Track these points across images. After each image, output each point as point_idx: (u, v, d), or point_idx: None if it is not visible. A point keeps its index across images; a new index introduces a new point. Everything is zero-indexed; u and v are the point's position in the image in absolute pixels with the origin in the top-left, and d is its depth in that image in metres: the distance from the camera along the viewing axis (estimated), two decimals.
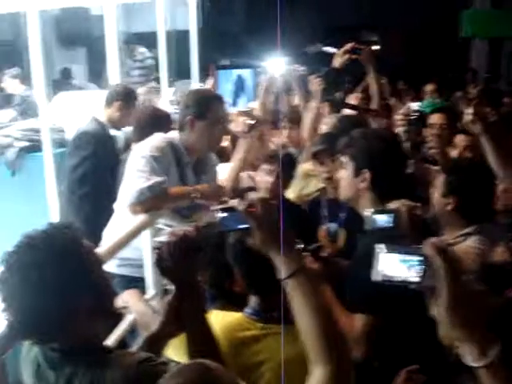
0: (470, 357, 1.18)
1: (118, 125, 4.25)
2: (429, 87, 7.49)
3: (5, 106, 7.42)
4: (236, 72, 8.72)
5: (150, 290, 2.86)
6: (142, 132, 3.45)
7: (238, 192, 3.20)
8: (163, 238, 1.74)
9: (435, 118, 4.24)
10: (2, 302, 1.50)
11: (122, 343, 2.44)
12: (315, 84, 4.08)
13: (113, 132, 4.40)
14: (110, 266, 3.08)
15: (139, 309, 2.39)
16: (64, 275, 1.49)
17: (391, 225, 2.06)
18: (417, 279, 1.19)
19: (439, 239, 1.36)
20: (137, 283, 2.84)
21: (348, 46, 4.13)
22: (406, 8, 12.13)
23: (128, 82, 7.87)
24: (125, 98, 4.16)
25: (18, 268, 1.48)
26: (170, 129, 3.39)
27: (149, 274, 2.88)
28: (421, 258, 1.18)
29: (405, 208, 2.10)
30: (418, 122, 4.15)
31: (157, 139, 3.09)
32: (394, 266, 1.20)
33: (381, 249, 1.21)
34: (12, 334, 1.59)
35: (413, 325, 1.99)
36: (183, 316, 1.73)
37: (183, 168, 3.13)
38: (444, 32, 12.42)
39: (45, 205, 3.96)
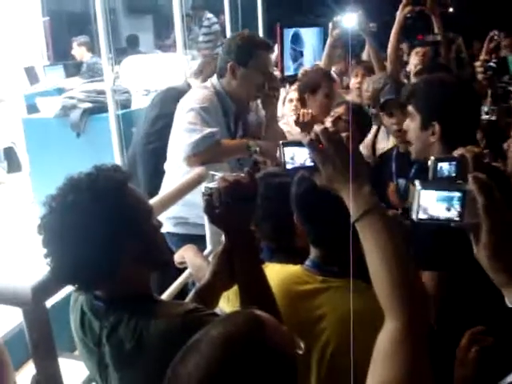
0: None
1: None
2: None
3: (75, 74, 7.60)
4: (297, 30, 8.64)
5: (209, 247, 2.80)
6: None
7: None
8: (213, 184, 1.63)
9: None
10: (43, 246, 1.44)
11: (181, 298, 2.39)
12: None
13: None
14: (167, 226, 3.06)
15: (195, 263, 2.32)
16: (106, 218, 1.41)
17: (453, 174, 1.88)
18: (457, 217, 1.13)
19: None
20: (195, 241, 2.77)
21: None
22: None
23: (195, 48, 7.94)
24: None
25: (59, 210, 1.41)
26: None
27: (207, 231, 2.82)
28: (460, 195, 1.12)
29: (470, 154, 1.90)
30: (502, 70, 3.89)
31: (202, 90, 2.98)
32: (433, 203, 1.15)
33: (419, 185, 1.16)
34: (54, 280, 1.53)
35: (480, 282, 1.84)
36: (235, 267, 1.63)
37: (229, 117, 3.02)
38: None
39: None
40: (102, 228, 1.39)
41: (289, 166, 1.33)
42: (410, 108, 2.21)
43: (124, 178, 1.51)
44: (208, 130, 2.76)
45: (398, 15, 3.95)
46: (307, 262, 1.79)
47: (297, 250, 1.89)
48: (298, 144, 1.30)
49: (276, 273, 1.77)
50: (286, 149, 1.31)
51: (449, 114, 2.10)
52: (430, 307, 1.66)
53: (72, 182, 1.45)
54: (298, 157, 1.31)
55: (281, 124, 3.68)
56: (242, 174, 1.63)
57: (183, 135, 2.82)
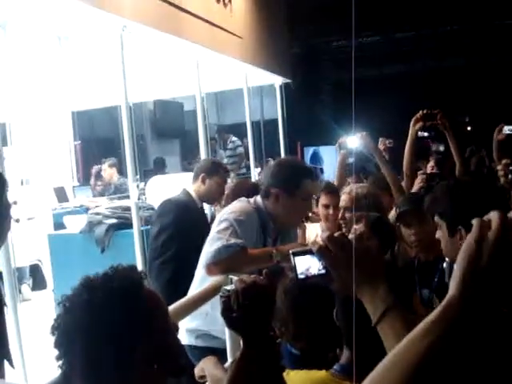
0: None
1: (206, 198, 4.26)
2: None
3: (104, 194, 7.85)
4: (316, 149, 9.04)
5: (229, 360, 2.75)
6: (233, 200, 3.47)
7: None
8: (231, 286, 1.63)
9: None
10: (55, 347, 1.40)
11: None
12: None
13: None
14: (189, 338, 3.04)
15: (215, 374, 2.27)
16: (120, 318, 1.37)
17: None
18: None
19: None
20: (216, 354, 2.72)
21: (419, 113, 4.09)
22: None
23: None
24: (208, 170, 4.21)
25: (73, 309, 1.39)
26: None
27: (228, 342, 2.79)
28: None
29: None
30: None
31: (243, 203, 3.05)
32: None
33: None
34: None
35: None
36: (253, 374, 1.55)
37: (266, 236, 3.06)
38: None
39: None
40: (115, 328, 1.36)
41: (301, 276, 1.30)
42: (436, 218, 2.23)
43: (140, 277, 1.52)
44: (233, 241, 2.75)
45: (410, 131, 4.06)
46: (335, 367, 1.73)
47: (325, 356, 1.85)
48: (309, 252, 1.29)
49: (300, 380, 1.72)
50: (296, 258, 1.30)
51: (471, 215, 2.09)
52: None
53: (87, 280, 1.44)
54: (310, 265, 1.30)
55: None
56: (261, 277, 1.63)
57: (208, 244, 2.84)
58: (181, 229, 3.94)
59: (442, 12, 11.94)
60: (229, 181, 5.62)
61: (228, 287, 1.62)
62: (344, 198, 3.79)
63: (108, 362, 1.35)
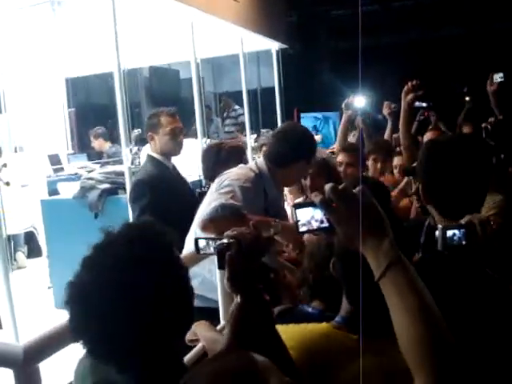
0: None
1: (167, 152, 4.00)
2: None
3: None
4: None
5: (222, 322, 2.74)
6: (217, 165, 3.42)
7: None
8: (225, 239, 1.60)
9: None
10: (75, 313, 1.33)
11: None
12: None
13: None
14: None
15: (209, 336, 2.26)
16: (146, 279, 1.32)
17: (463, 242, 1.84)
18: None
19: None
20: (208, 314, 2.70)
21: (408, 84, 4.00)
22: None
23: (222, 137, 8.19)
24: (151, 127, 4.02)
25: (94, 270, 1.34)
26: (243, 162, 3.34)
27: (220, 304, 2.77)
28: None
29: (477, 221, 1.87)
30: None
31: (246, 170, 3.02)
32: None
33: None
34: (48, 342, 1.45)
35: None
36: (249, 328, 1.55)
37: (268, 201, 3.05)
38: None
39: None
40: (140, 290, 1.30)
41: (303, 229, 1.27)
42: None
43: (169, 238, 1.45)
44: (231, 202, 2.74)
45: (402, 103, 3.97)
46: (337, 319, 1.69)
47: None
48: (311, 205, 1.25)
49: (299, 332, 1.68)
50: (298, 211, 1.27)
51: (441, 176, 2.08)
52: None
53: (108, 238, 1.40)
54: (312, 218, 1.26)
55: None
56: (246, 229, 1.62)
57: (207, 203, 2.84)
58: (161, 208, 3.71)
59: None
60: None
61: (224, 240, 1.60)
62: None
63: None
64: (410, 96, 3.80)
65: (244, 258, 1.54)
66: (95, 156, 8.14)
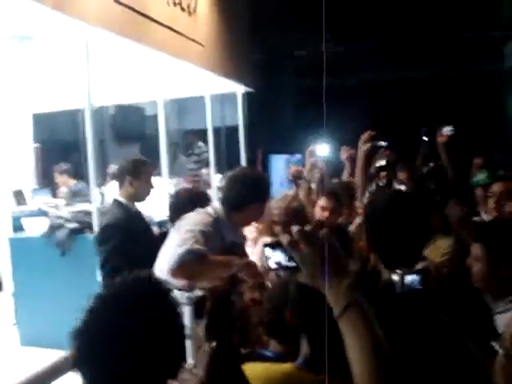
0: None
1: (138, 198, 4.17)
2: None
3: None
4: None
5: (190, 360, 2.82)
6: (181, 210, 3.54)
7: None
8: (194, 294, 1.74)
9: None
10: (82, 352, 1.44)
11: None
12: None
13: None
14: None
15: (180, 376, 2.35)
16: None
17: (419, 286, 1.99)
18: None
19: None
20: None
21: (366, 134, 4.19)
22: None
23: (184, 174, 8.29)
24: (133, 171, 4.14)
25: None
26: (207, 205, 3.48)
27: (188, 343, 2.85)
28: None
29: (432, 267, 2.05)
30: None
31: (205, 215, 3.16)
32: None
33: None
34: None
35: None
36: (221, 371, 1.69)
37: (226, 245, 3.18)
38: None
39: (92, 285, 4.03)
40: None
41: (272, 266, 1.38)
42: None
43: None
44: (197, 247, 2.86)
45: (359, 152, 4.12)
46: (298, 360, 1.80)
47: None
48: (279, 245, 1.35)
49: (263, 372, 1.78)
50: (267, 249, 1.38)
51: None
52: None
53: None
54: (280, 257, 1.37)
55: None
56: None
57: (172, 250, 2.92)
58: (127, 251, 3.81)
59: (405, 23, 12.22)
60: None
61: (199, 292, 1.74)
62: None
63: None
64: (367, 146, 4.00)
65: (219, 309, 1.68)
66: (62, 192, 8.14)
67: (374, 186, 4.32)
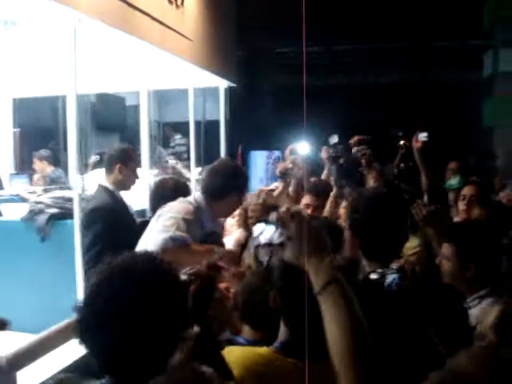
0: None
1: (123, 186, 4.31)
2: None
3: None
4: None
5: None
6: (162, 200, 3.62)
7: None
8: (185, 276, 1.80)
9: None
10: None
11: None
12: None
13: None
14: None
15: None
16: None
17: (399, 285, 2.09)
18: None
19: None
20: None
21: (353, 139, 4.38)
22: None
23: (161, 166, 8.32)
24: (123, 159, 4.25)
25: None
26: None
27: None
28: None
29: (407, 266, 2.18)
30: None
31: (186, 204, 3.26)
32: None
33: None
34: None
35: None
36: (201, 355, 1.72)
37: (205, 229, 3.30)
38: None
39: (71, 271, 4.06)
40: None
41: (262, 241, 1.51)
42: None
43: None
44: (179, 234, 2.97)
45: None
46: (276, 344, 1.87)
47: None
48: (268, 222, 1.47)
49: (242, 354, 1.86)
50: (259, 225, 1.52)
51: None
52: None
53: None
54: (268, 234, 1.47)
55: None
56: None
57: (154, 236, 3.01)
58: (113, 235, 4.00)
59: (381, 29, 12.38)
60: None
61: (184, 277, 1.80)
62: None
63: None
64: (353, 150, 4.19)
65: (204, 294, 1.74)
66: (41, 179, 8.12)
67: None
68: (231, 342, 2.21)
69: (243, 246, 4.07)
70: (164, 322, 1.45)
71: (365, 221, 2.35)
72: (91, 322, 1.43)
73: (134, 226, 4.25)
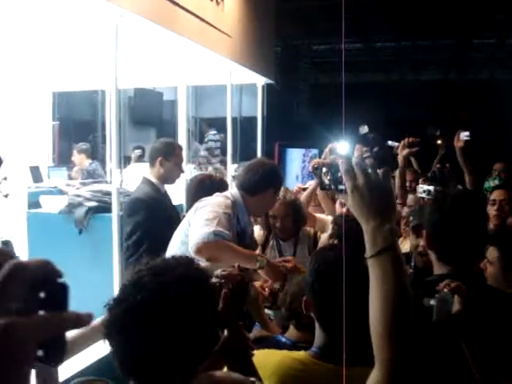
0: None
1: (167, 180, 4.34)
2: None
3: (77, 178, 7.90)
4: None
5: None
6: (199, 195, 3.63)
7: None
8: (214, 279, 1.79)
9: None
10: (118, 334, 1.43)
11: None
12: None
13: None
14: None
15: None
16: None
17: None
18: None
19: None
20: None
21: (405, 140, 4.29)
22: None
23: (195, 161, 8.36)
24: (165, 152, 4.28)
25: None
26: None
27: None
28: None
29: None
30: None
31: (224, 199, 3.26)
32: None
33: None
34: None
35: None
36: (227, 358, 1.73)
37: (240, 226, 3.33)
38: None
39: (109, 263, 4.10)
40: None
41: (326, 182, 1.39)
42: None
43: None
44: (221, 229, 2.95)
45: (399, 157, 4.25)
46: (313, 349, 1.84)
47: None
48: (336, 166, 1.34)
49: (278, 359, 1.83)
50: (324, 168, 1.40)
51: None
52: None
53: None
54: (334, 178, 1.36)
55: None
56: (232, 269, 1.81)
57: (195, 230, 2.99)
58: (153, 225, 4.05)
59: (424, 26, 12.19)
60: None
61: (215, 279, 1.79)
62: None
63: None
64: (406, 151, 4.11)
65: (235, 297, 1.73)
66: (79, 171, 8.23)
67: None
68: (273, 341, 2.21)
69: (263, 244, 4.08)
70: (194, 330, 1.41)
71: (450, 222, 2.22)
72: (120, 325, 1.40)
73: (176, 220, 4.26)
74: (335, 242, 3.27)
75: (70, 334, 1.83)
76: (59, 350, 0.64)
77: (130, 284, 1.43)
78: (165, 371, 1.38)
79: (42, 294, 0.63)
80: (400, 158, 4.25)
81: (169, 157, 4.27)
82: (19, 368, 0.60)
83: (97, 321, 1.85)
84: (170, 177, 4.32)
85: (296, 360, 1.86)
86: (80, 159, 8.23)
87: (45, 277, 0.63)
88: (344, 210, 4.25)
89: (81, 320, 0.63)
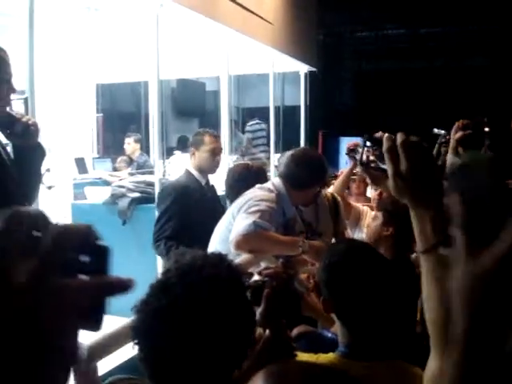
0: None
1: (204, 169, 4.26)
2: None
3: (122, 168, 7.97)
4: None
5: None
6: (238, 185, 3.58)
7: None
8: (257, 278, 1.74)
9: None
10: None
11: None
12: None
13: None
14: None
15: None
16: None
17: None
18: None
19: None
20: None
21: (459, 122, 4.17)
22: None
23: (240, 151, 8.34)
24: (194, 143, 4.23)
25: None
26: (264, 182, 3.51)
27: None
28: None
29: None
30: None
31: (267, 192, 3.19)
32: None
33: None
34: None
35: None
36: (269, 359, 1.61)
37: (287, 217, 3.23)
38: None
39: (152, 254, 4.10)
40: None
41: (364, 158, 1.31)
42: None
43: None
44: (262, 221, 2.89)
45: (451, 141, 4.13)
46: (340, 348, 1.78)
47: None
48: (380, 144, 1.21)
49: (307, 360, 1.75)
50: (366, 147, 1.31)
51: None
52: None
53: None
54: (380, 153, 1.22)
55: None
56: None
57: (237, 222, 2.95)
58: (179, 210, 4.01)
59: (468, 11, 11.91)
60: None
61: (258, 277, 1.74)
62: None
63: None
64: (459, 134, 3.99)
65: (278, 296, 1.68)
66: (123, 162, 8.26)
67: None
68: (317, 336, 2.17)
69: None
70: (223, 333, 1.32)
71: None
72: (147, 328, 1.33)
73: (220, 212, 4.23)
74: (390, 230, 2.98)
75: (114, 328, 1.81)
76: (99, 316, 0.61)
77: (157, 286, 1.35)
78: (195, 377, 1.32)
79: (83, 258, 0.61)
80: (452, 142, 4.12)
81: (199, 146, 4.22)
82: (71, 329, 0.58)
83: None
84: (205, 166, 4.24)
85: (328, 363, 1.81)
86: (133, 149, 8.25)
87: (86, 240, 0.60)
88: (376, 193, 4.17)
89: (123, 283, 0.60)
